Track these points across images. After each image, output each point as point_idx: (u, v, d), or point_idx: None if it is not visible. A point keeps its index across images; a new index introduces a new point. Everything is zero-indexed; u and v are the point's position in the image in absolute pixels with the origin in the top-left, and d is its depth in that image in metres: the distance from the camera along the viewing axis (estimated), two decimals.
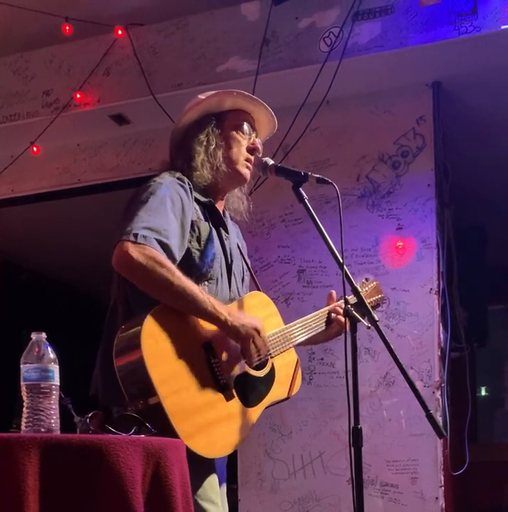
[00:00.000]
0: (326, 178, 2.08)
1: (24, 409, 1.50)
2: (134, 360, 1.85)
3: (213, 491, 2.04)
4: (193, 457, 1.86)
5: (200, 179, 2.16)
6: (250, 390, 2.07)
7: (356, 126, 3.87)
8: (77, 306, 7.21)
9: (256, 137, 2.27)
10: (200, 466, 1.99)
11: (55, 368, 1.53)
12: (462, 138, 4.18)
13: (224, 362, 2.01)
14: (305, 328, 2.28)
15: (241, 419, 2.03)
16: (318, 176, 2.09)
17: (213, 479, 2.05)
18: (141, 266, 1.88)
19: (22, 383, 1.51)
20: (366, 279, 2.60)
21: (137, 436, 1.59)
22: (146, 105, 3.95)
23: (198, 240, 2.08)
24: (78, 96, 4.01)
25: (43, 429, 1.48)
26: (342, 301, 2.34)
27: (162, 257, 1.92)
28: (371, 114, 3.84)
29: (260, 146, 2.25)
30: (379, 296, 2.60)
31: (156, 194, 2.01)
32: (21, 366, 1.52)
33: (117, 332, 1.93)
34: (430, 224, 3.69)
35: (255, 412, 2.09)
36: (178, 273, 1.92)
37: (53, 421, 1.50)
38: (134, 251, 1.88)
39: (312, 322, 2.31)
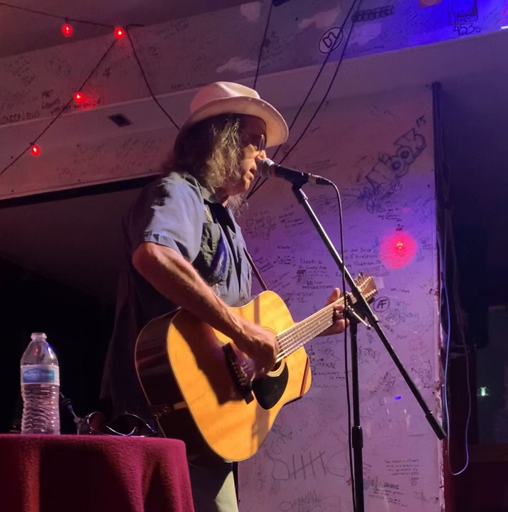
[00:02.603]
0: (326, 179, 2.08)
1: (24, 409, 1.50)
2: (160, 366, 1.82)
3: (230, 491, 2.06)
4: (213, 460, 1.87)
5: (213, 181, 2.14)
6: (266, 391, 2.07)
7: (356, 127, 3.87)
8: (77, 307, 7.21)
9: (264, 149, 2.27)
10: (219, 468, 2.01)
11: (55, 369, 1.53)
12: (462, 138, 4.19)
13: (243, 364, 2.00)
14: (313, 326, 2.29)
15: (261, 421, 2.03)
16: (318, 176, 2.09)
17: (230, 479, 2.07)
18: (165, 268, 1.84)
19: (22, 384, 1.51)
20: (361, 274, 2.60)
21: (137, 436, 1.59)
22: (146, 106, 3.95)
23: (209, 243, 2.07)
24: (78, 97, 4.01)
25: (42, 430, 1.48)
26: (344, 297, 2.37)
27: (184, 260, 1.89)
28: (370, 115, 3.85)
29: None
30: (373, 291, 2.62)
31: (171, 196, 1.97)
32: (21, 367, 1.52)
33: (135, 336, 1.90)
34: (430, 224, 3.69)
35: (273, 413, 2.10)
36: (199, 279, 1.89)
37: (53, 421, 1.50)
38: (158, 252, 1.84)
39: (319, 320, 2.32)
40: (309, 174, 2.09)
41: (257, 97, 2.24)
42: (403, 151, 3.77)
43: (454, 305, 3.92)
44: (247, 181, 2.23)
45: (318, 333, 2.31)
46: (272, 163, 2.19)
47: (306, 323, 2.26)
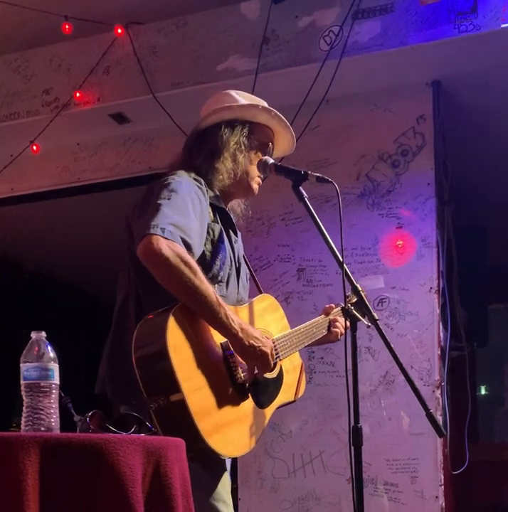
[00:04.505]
0: (326, 177, 2.08)
1: (24, 408, 1.50)
2: (159, 357, 1.82)
3: (225, 490, 2.07)
4: (208, 458, 1.88)
5: (220, 183, 2.17)
6: (262, 391, 2.08)
7: (356, 125, 3.87)
8: (78, 305, 7.21)
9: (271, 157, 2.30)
10: (214, 467, 2.02)
11: (54, 367, 1.53)
12: (461, 137, 4.18)
13: (241, 362, 2.00)
14: (308, 333, 2.32)
15: (255, 420, 2.03)
16: (318, 174, 2.09)
17: (225, 479, 2.08)
18: (168, 261, 1.85)
19: (22, 382, 1.51)
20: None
21: (137, 435, 1.59)
22: (146, 104, 3.95)
23: (212, 243, 2.08)
24: (78, 95, 4.01)
25: (42, 428, 1.48)
26: (339, 309, 2.45)
27: (188, 256, 1.90)
28: (370, 113, 3.84)
29: None
30: None
31: (178, 192, 1.99)
32: (21, 365, 1.52)
33: (133, 330, 1.91)
34: (430, 223, 3.69)
35: (267, 414, 2.11)
36: (201, 275, 1.90)
37: (52, 420, 1.50)
38: (163, 245, 1.86)
39: (314, 328, 2.36)
40: (309, 172, 2.09)
41: (266, 105, 2.27)
42: (403, 150, 3.77)
43: (455, 304, 3.91)
44: (256, 186, 2.26)
45: (313, 340, 2.34)
46: (271, 161, 2.20)
47: (301, 330, 2.29)
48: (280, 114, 2.26)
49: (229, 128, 2.20)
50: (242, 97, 2.27)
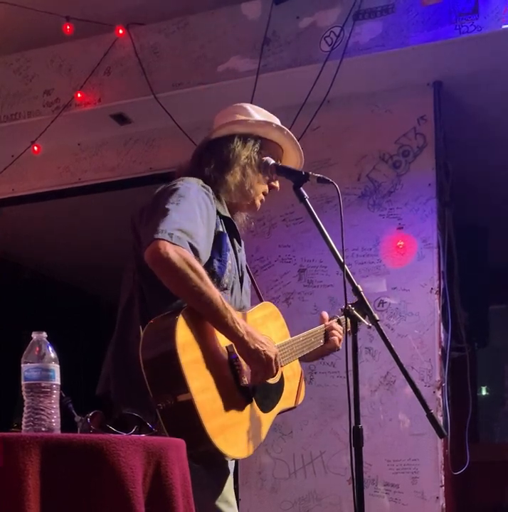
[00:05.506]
0: (326, 178, 2.08)
1: (25, 408, 1.50)
2: (167, 357, 1.83)
3: (229, 492, 2.08)
4: (211, 459, 1.89)
5: (227, 195, 2.19)
6: (264, 396, 2.09)
7: (357, 126, 3.87)
8: (78, 305, 7.21)
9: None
10: (217, 467, 2.02)
11: (55, 368, 1.53)
12: (462, 137, 4.18)
13: (245, 365, 2.01)
14: (307, 342, 2.34)
15: (258, 424, 2.04)
16: (319, 175, 2.09)
17: (229, 481, 2.09)
18: (176, 266, 1.87)
19: (23, 382, 1.51)
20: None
21: (138, 435, 1.59)
22: (146, 105, 3.95)
23: (218, 251, 2.09)
24: (79, 95, 4.01)
25: (43, 429, 1.48)
26: (335, 319, 2.47)
27: (195, 260, 1.91)
28: (371, 114, 3.84)
29: (278, 188, 2.31)
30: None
31: (187, 198, 2.00)
32: (22, 365, 1.52)
33: (138, 330, 1.92)
34: (431, 223, 3.69)
35: (269, 418, 2.12)
36: (208, 280, 1.92)
37: (53, 420, 1.50)
38: (170, 250, 1.87)
39: (313, 337, 2.37)
40: (310, 173, 2.10)
41: (279, 123, 2.30)
42: (403, 150, 3.77)
43: (455, 304, 3.91)
44: (258, 203, 2.29)
45: (311, 349, 2.36)
46: (272, 162, 2.21)
47: (301, 338, 2.31)
48: (292, 134, 2.28)
49: (242, 142, 2.22)
50: (257, 112, 2.30)
